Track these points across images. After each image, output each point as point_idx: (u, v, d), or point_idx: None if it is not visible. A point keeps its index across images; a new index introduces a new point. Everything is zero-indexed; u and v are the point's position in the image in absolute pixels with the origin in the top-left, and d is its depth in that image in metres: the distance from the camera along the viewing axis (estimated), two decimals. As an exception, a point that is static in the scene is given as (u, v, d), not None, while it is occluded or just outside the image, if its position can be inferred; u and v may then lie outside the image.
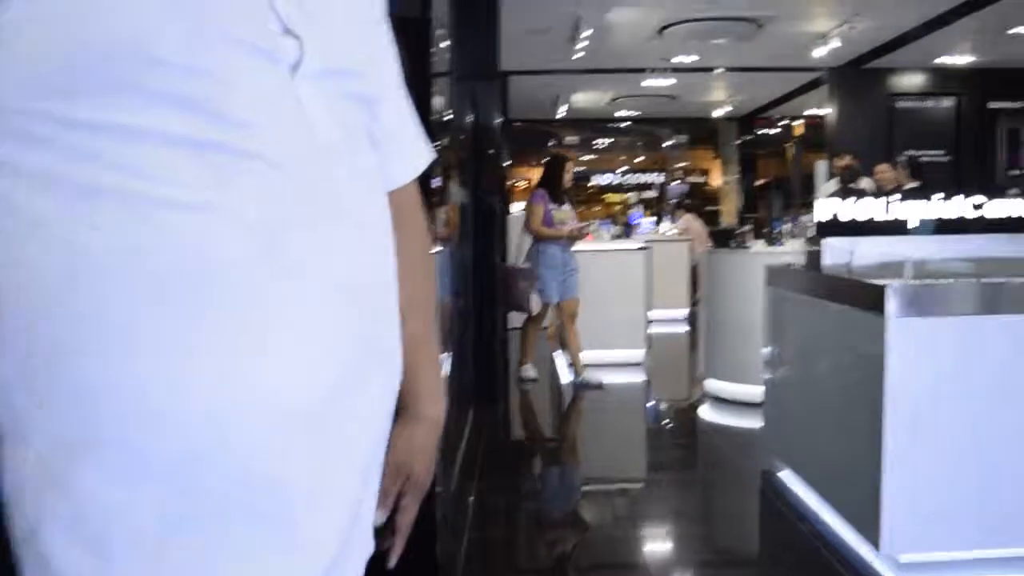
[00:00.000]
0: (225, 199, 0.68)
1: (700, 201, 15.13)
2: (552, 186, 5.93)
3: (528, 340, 6.16)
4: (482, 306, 5.54)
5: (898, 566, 2.75)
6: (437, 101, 3.13)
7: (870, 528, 2.74)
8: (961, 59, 10.76)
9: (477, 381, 5.33)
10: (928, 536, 2.71)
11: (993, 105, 11.30)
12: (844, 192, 7.09)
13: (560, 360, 6.69)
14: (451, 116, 4.37)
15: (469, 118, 5.46)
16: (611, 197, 18.18)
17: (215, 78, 0.67)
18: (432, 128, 2.40)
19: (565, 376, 6.33)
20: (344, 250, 0.76)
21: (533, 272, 5.79)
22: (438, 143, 2.91)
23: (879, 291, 2.62)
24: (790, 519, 3.40)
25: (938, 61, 10.83)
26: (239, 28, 0.69)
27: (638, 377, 6.60)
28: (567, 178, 6.03)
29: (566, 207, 5.95)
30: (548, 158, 6.41)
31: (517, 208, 11.48)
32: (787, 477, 3.67)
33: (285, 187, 0.71)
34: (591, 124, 16.67)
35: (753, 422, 4.37)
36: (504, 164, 9.50)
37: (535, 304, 5.79)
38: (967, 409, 2.68)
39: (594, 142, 18.01)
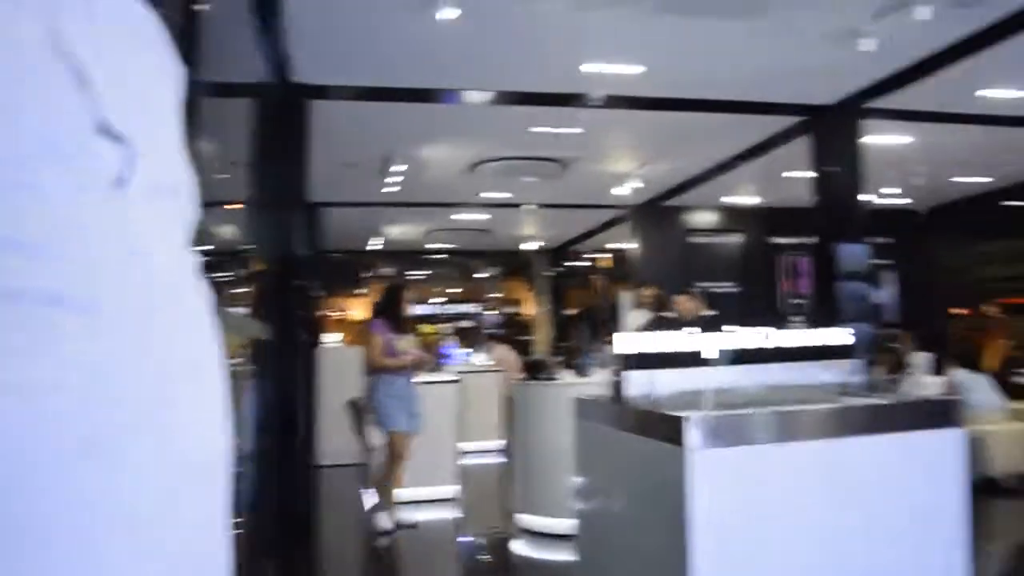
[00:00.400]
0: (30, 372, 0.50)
1: (514, 331, 15.44)
2: (392, 315, 5.77)
3: (389, 480, 5.73)
4: (285, 443, 5.21)
5: None
6: (232, 231, 2.97)
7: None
8: (746, 199, 11.82)
9: (281, 528, 4.94)
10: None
11: (774, 240, 12.43)
12: (658, 320, 7.42)
13: (368, 498, 6.35)
14: (252, 246, 4.20)
15: (276, 249, 5.29)
16: (426, 328, 18.21)
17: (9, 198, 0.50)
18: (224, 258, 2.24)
19: (377, 516, 6.01)
20: (203, 426, 0.60)
21: (369, 405, 5.58)
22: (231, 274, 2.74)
23: (677, 422, 2.64)
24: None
25: (726, 201, 11.84)
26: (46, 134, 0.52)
27: (452, 513, 6.37)
28: (405, 306, 5.90)
29: (408, 336, 5.82)
30: (387, 286, 6.22)
31: (331, 339, 11.18)
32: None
33: (113, 344, 0.53)
34: (406, 256, 16.82)
35: (567, 555, 4.28)
36: (315, 295, 9.29)
37: (375, 438, 5.54)
38: (769, 536, 2.71)
39: (409, 273, 18.14)
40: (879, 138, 7.84)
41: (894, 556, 2.86)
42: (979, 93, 6.68)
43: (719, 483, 2.64)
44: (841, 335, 3.28)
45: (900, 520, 2.88)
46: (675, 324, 6.63)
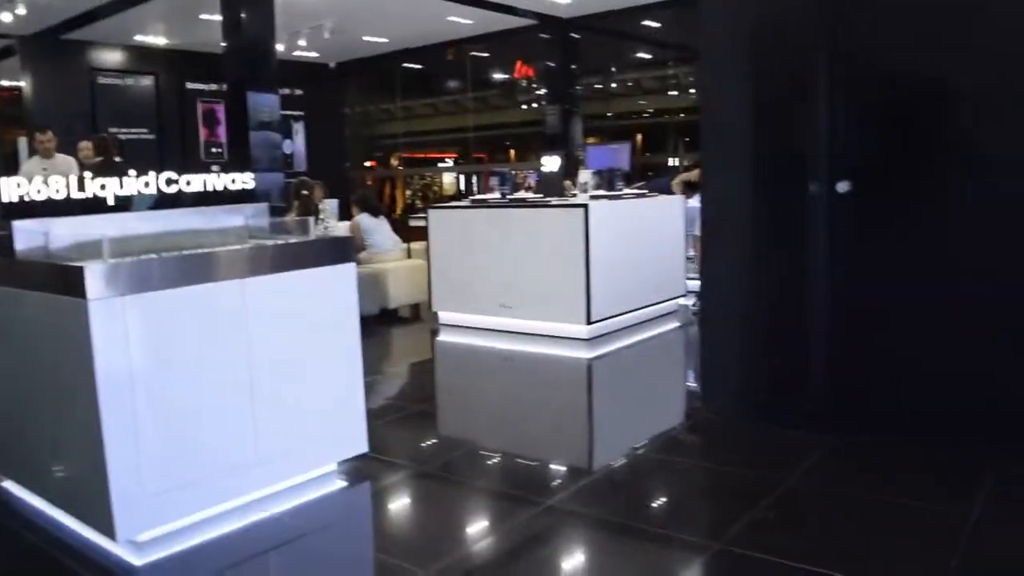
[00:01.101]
0: None
1: None
2: None
3: None
4: None
5: (139, 548, 2.72)
6: None
7: (103, 519, 2.63)
8: (158, 39, 11.06)
9: None
10: (158, 510, 2.73)
11: (191, 86, 11.97)
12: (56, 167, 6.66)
13: None
14: None
15: None
16: None
17: None
18: None
19: None
20: None
21: None
22: None
23: (76, 273, 2.48)
24: (21, 532, 3.06)
25: (137, 39, 10.93)
26: None
27: None
28: None
29: None
30: None
31: None
32: (13, 488, 3.30)
33: None
34: None
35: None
36: None
37: None
38: (176, 380, 2.76)
39: None
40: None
41: (305, 377, 3.17)
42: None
43: (125, 332, 2.58)
44: (247, 180, 3.37)
45: (308, 346, 3.18)
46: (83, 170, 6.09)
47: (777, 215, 3.95)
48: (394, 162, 17.00)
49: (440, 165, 19.15)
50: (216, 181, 3.29)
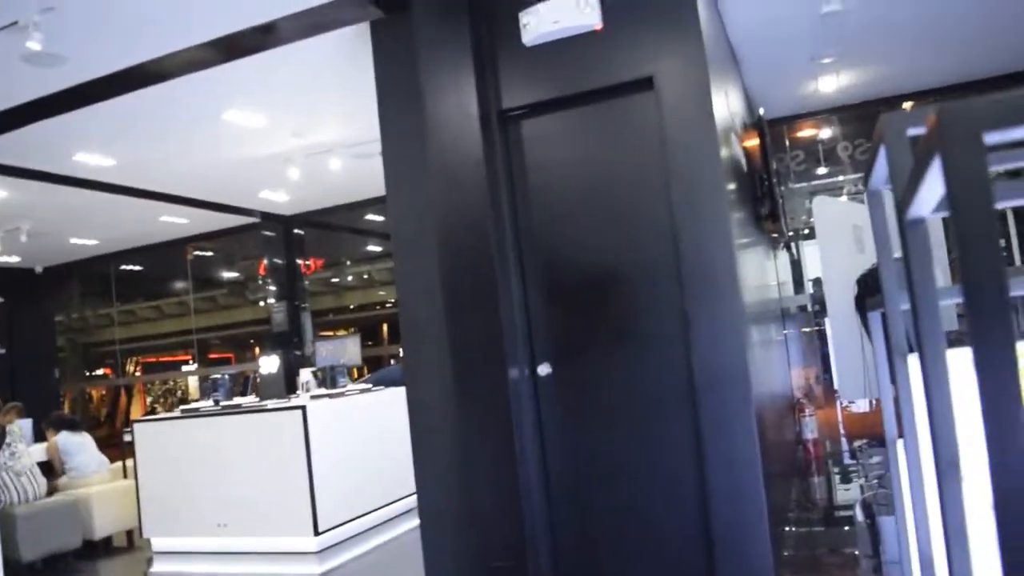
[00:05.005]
0: None
1: None
2: None
3: None
4: None
5: None
6: None
7: None
8: None
9: None
10: None
11: None
12: None
13: None
14: None
15: None
16: None
17: None
18: None
19: None
20: None
21: None
22: None
23: None
24: None
25: None
26: None
27: None
28: None
29: None
30: None
31: None
32: None
33: None
34: None
35: None
36: None
37: None
38: None
39: None
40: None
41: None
42: (76, 157, 6.78)
43: None
44: None
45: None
46: None
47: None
48: (131, 368, 15.77)
49: (185, 368, 18.04)
50: None
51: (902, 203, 0.89)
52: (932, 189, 0.75)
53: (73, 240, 10.45)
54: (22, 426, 6.89)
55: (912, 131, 1.00)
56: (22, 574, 5.81)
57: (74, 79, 5.13)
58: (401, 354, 6.18)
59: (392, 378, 7.51)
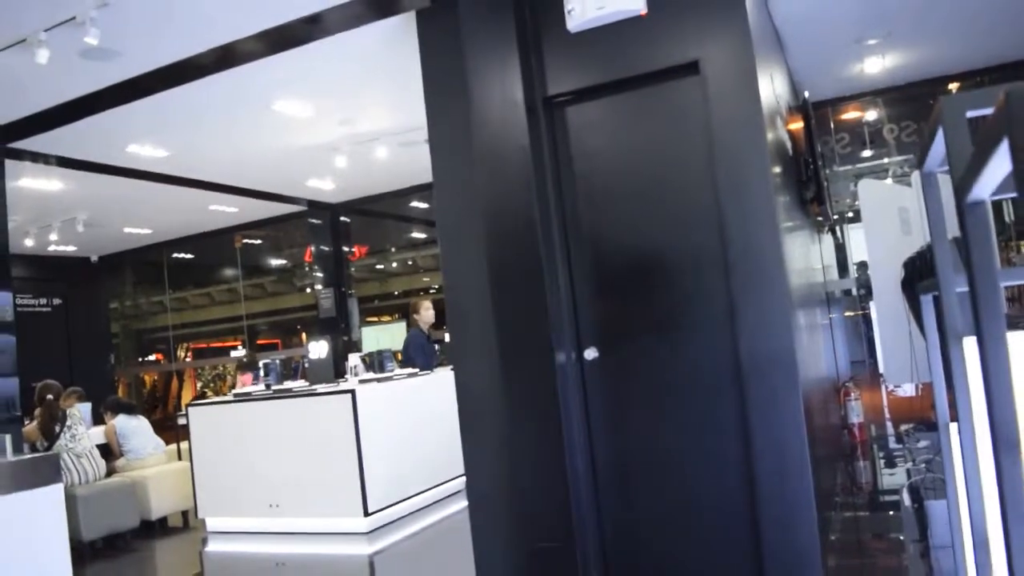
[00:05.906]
0: None
1: None
2: None
3: None
4: None
5: None
6: None
7: None
8: None
9: None
10: None
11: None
12: None
13: None
14: None
15: None
16: None
17: None
18: None
19: None
20: None
21: None
22: None
23: None
24: None
25: None
26: None
27: None
28: None
29: None
30: None
31: None
32: None
33: None
34: None
35: None
36: None
37: None
38: None
39: None
40: (32, 181, 7.52)
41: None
42: (129, 148, 6.95)
43: None
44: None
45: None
46: None
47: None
48: (181, 354, 16.10)
49: (234, 354, 18.38)
50: None
51: (962, 185, 0.90)
52: (996, 171, 0.76)
53: (127, 229, 10.71)
54: (81, 410, 7.12)
55: (971, 113, 1.01)
56: (83, 552, 6.02)
57: (128, 73, 5.27)
58: (447, 339, 6.25)
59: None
